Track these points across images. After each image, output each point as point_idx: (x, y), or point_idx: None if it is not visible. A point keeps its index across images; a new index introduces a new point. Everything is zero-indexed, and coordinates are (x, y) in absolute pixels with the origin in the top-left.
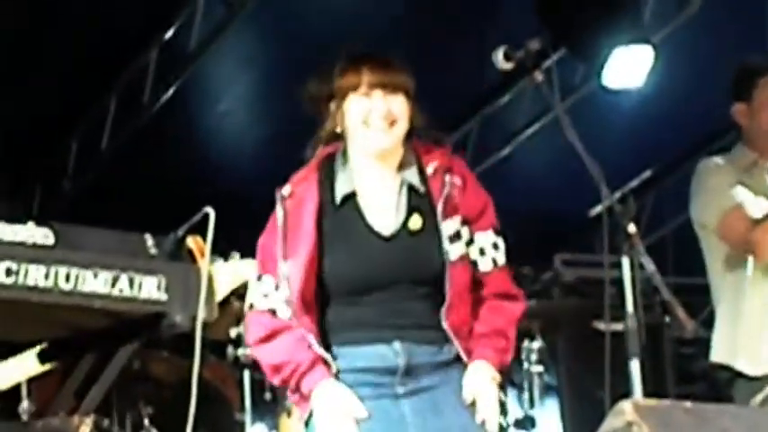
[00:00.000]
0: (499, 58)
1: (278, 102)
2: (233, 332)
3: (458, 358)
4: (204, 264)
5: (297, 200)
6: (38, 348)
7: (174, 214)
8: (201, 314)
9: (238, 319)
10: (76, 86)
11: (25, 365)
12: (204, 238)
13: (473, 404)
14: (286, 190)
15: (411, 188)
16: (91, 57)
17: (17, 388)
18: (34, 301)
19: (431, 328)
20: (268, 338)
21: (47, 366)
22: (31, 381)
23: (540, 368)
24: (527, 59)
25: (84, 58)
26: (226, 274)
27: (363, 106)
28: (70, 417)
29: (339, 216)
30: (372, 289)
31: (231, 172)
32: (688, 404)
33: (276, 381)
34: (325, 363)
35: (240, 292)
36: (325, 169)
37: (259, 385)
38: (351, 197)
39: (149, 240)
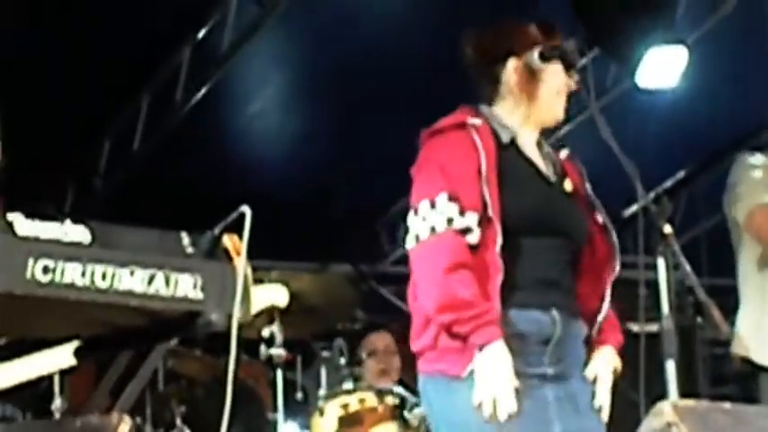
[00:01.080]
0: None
1: (310, 102)
2: (266, 331)
3: (588, 338)
4: (240, 263)
5: (483, 133)
6: (71, 344)
7: (203, 214)
8: (237, 313)
9: (271, 318)
10: (109, 86)
11: (56, 358)
12: (240, 236)
13: (593, 381)
14: (476, 121)
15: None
16: (123, 57)
17: (50, 385)
18: (71, 299)
19: (574, 296)
20: (460, 266)
21: (74, 361)
22: (63, 378)
23: None
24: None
25: (117, 58)
26: (256, 296)
27: (563, 78)
28: (108, 415)
29: (508, 157)
30: (548, 230)
31: (262, 172)
32: (727, 405)
33: (445, 317)
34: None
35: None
36: (482, 116)
37: (291, 385)
38: (513, 143)
39: (185, 239)
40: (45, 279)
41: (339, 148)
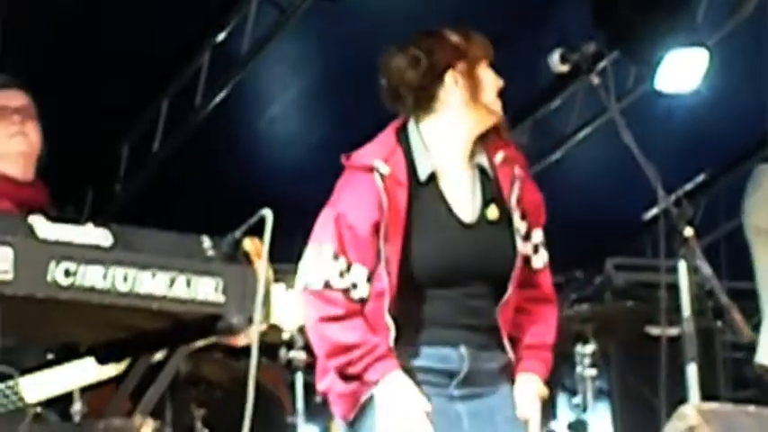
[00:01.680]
0: (555, 61)
1: (329, 106)
2: (285, 335)
3: (506, 366)
4: (261, 266)
5: (393, 179)
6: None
7: (223, 217)
8: (258, 316)
9: None
10: (128, 89)
11: (84, 372)
12: (261, 239)
13: (525, 420)
14: (383, 168)
15: (483, 174)
16: (143, 60)
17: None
18: (92, 302)
19: (491, 330)
20: (342, 318)
21: (105, 374)
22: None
23: (593, 372)
24: (583, 62)
25: (137, 62)
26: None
27: (494, 78)
28: (131, 417)
29: (424, 197)
30: (453, 281)
31: (281, 176)
32: (751, 408)
33: (335, 362)
34: (395, 354)
35: None
36: (403, 143)
37: (310, 388)
38: (432, 177)
39: (206, 242)
40: (66, 282)
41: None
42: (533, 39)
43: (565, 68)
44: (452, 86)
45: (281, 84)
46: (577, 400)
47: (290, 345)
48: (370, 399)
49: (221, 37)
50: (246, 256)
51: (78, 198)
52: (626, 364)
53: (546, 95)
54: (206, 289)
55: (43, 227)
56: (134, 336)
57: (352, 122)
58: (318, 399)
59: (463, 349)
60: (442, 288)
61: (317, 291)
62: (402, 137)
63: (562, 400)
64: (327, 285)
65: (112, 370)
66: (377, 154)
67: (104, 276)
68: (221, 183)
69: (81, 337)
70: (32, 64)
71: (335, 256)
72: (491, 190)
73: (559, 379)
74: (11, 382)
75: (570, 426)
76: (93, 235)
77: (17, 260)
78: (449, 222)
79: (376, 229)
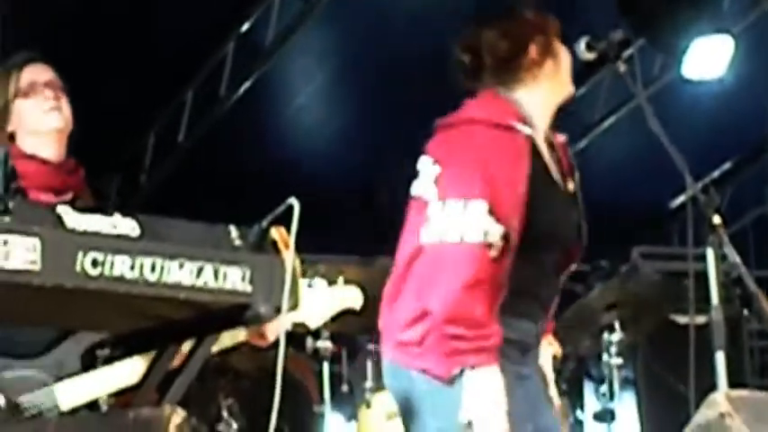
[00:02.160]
0: (581, 49)
1: (354, 95)
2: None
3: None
4: (288, 255)
5: (527, 142)
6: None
7: (248, 207)
8: (286, 306)
9: None
10: (153, 80)
11: (118, 376)
12: (288, 229)
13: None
14: (527, 129)
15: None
16: (168, 50)
17: None
18: (120, 292)
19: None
20: (475, 286)
21: (136, 377)
22: None
23: (619, 361)
24: (609, 50)
25: (162, 52)
26: (331, 298)
27: (566, 53)
28: (161, 407)
29: (534, 163)
30: (555, 248)
31: (306, 166)
32: None
33: (452, 329)
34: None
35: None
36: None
37: (337, 377)
38: (533, 141)
39: (233, 232)
40: (94, 272)
41: (384, 141)
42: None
43: (591, 56)
44: (536, 58)
45: (306, 74)
46: (604, 389)
47: (316, 334)
48: (461, 373)
49: (246, 27)
50: (274, 245)
51: (104, 188)
52: (652, 353)
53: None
54: (233, 278)
55: (71, 217)
56: (162, 325)
57: (377, 112)
58: (345, 387)
59: (538, 323)
60: (547, 252)
61: (471, 245)
62: (510, 106)
63: (588, 389)
64: (485, 236)
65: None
66: (508, 115)
67: (132, 266)
68: (246, 172)
69: (109, 326)
70: (59, 52)
71: (489, 210)
72: (565, 167)
73: (586, 368)
74: (47, 389)
75: (596, 415)
76: (121, 225)
77: (45, 250)
78: (555, 190)
79: (518, 189)
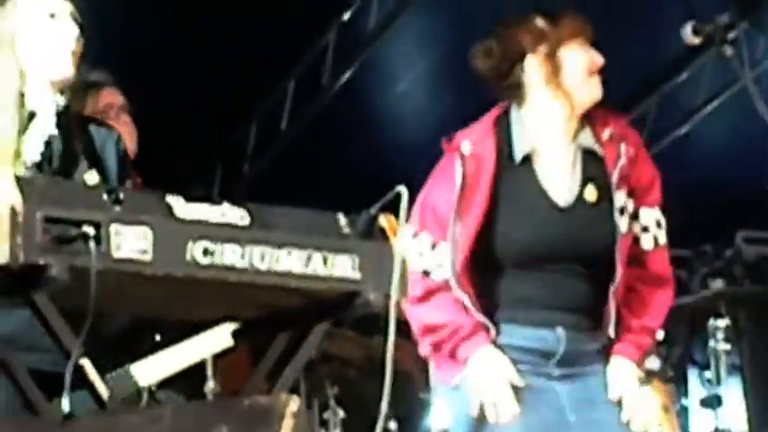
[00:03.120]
0: (687, 33)
1: (456, 82)
2: None
3: (604, 347)
4: (397, 242)
5: (477, 159)
6: (226, 326)
7: (350, 195)
8: (395, 293)
9: None
10: (256, 68)
11: (213, 342)
12: (396, 216)
13: (619, 402)
14: (466, 148)
15: (586, 153)
16: (271, 39)
17: (201, 368)
18: (230, 280)
19: (591, 313)
20: (424, 298)
21: (231, 343)
22: (216, 361)
23: (726, 346)
24: (715, 33)
25: (264, 41)
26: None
27: (586, 56)
28: (277, 395)
29: (515, 177)
30: (542, 263)
31: (408, 153)
32: None
33: (426, 343)
34: (485, 329)
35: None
36: (502, 126)
37: None
38: (528, 158)
39: (342, 219)
40: (205, 261)
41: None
42: (659, 11)
43: (697, 41)
44: (533, 71)
45: (408, 60)
46: (709, 374)
47: None
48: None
49: (347, 15)
50: (382, 232)
51: (207, 177)
52: (758, 338)
53: (673, 69)
54: (343, 266)
55: (181, 206)
56: (271, 313)
57: (479, 98)
58: None
59: (560, 330)
60: (535, 269)
61: (415, 272)
62: (503, 120)
63: (693, 375)
64: (419, 264)
65: (217, 346)
66: (468, 135)
67: (242, 255)
68: (348, 160)
69: (219, 315)
70: (163, 43)
71: (414, 235)
72: (594, 169)
73: (690, 354)
74: (123, 369)
75: (703, 401)
76: (230, 214)
77: (156, 240)
78: (539, 204)
79: (450, 208)
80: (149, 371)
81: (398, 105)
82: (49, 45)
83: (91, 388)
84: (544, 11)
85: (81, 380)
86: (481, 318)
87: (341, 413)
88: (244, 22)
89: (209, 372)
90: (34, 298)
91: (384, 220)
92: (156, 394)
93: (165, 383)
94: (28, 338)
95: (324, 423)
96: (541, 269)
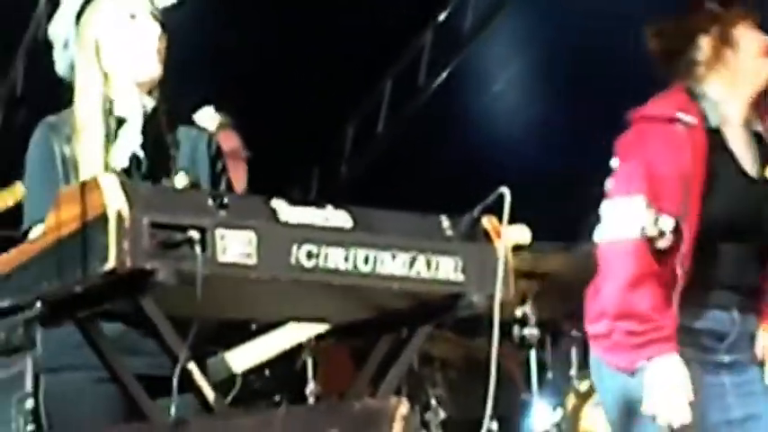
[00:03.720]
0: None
1: (550, 83)
2: (518, 311)
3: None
4: (501, 244)
5: (696, 128)
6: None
7: (448, 196)
8: (499, 294)
9: (523, 298)
10: (352, 71)
11: (301, 330)
12: (499, 218)
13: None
14: (688, 118)
15: (757, 140)
16: (367, 41)
17: (302, 370)
18: (334, 283)
19: (757, 293)
20: (643, 278)
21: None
22: (316, 363)
23: None
24: None
25: (360, 43)
26: None
27: (759, 37)
28: (387, 398)
29: (717, 150)
30: (738, 235)
31: (503, 153)
32: None
33: (621, 325)
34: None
35: (525, 271)
36: (693, 101)
37: (544, 365)
38: (718, 132)
39: (445, 221)
40: (309, 264)
41: (582, 127)
42: None
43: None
44: (708, 50)
45: (503, 61)
46: None
47: (523, 322)
48: (642, 369)
49: (443, 16)
50: (485, 234)
51: (304, 179)
52: None
53: None
54: (446, 268)
55: (285, 210)
56: (375, 316)
57: (574, 99)
58: (550, 375)
59: (735, 313)
60: (730, 244)
61: (630, 241)
62: (689, 99)
63: None
64: (642, 231)
65: (303, 336)
66: (675, 107)
67: (346, 258)
68: (444, 161)
69: (323, 318)
70: (259, 45)
71: (647, 204)
72: (764, 153)
73: None
74: (218, 357)
75: None
76: (334, 217)
77: (261, 244)
78: (737, 177)
79: (683, 176)
80: (244, 358)
81: (492, 105)
82: (131, 46)
83: (198, 391)
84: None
85: (188, 383)
86: (677, 319)
87: (442, 414)
88: (341, 25)
89: (310, 374)
90: (141, 302)
91: (487, 222)
92: (249, 381)
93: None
94: (130, 342)
95: (425, 424)
96: (734, 245)
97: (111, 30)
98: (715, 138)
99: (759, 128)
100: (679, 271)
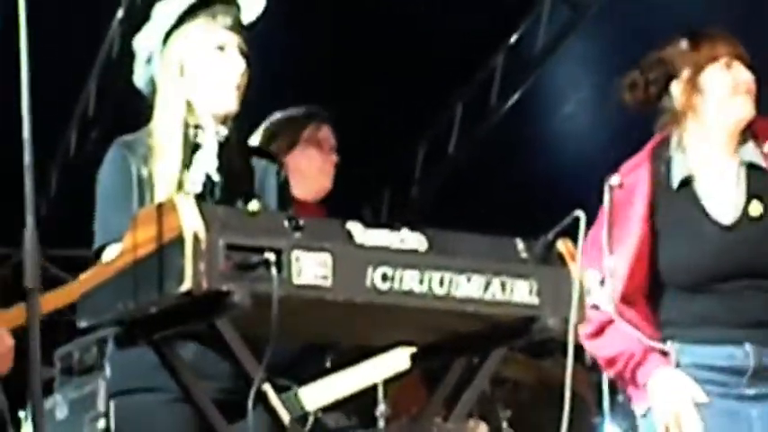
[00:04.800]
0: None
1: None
2: None
3: None
4: (575, 267)
5: (626, 189)
6: (398, 350)
7: (520, 218)
8: (574, 318)
9: None
10: (423, 92)
11: (379, 368)
12: (574, 241)
13: None
14: (615, 180)
15: (750, 168)
16: (437, 63)
17: (371, 390)
18: (409, 306)
19: None
20: (597, 333)
21: (398, 369)
22: (387, 385)
23: None
24: None
25: (431, 65)
26: None
27: (728, 77)
28: (466, 421)
29: (674, 203)
30: (712, 282)
31: (575, 176)
32: None
33: (611, 373)
34: (661, 353)
35: None
36: (660, 155)
37: (615, 388)
38: (687, 183)
39: (520, 244)
40: (384, 287)
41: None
42: None
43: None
44: (680, 97)
45: (574, 82)
46: None
47: None
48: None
49: (514, 38)
50: (560, 257)
51: (376, 201)
52: None
53: None
54: (521, 291)
55: (360, 233)
56: (450, 338)
57: (647, 120)
58: (621, 398)
59: (748, 346)
60: (707, 290)
61: (589, 305)
62: (663, 148)
63: None
64: (594, 301)
65: (387, 372)
66: (622, 169)
67: (421, 281)
68: (515, 183)
69: (398, 340)
70: (334, 70)
71: (592, 272)
72: (759, 183)
73: None
74: (291, 393)
75: None
76: (409, 239)
77: (336, 266)
78: (702, 226)
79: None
80: (318, 395)
81: (563, 127)
82: (215, 78)
83: (272, 413)
84: (694, 30)
85: (263, 406)
86: (651, 342)
87: None
88: (413, 47)
89: (380, 395)
90: (216, 324)
91: (562, 245)
92: (321, 419)
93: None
94: (202, 366)
95: None
96: (713, 289)
97: (198, 57)
98: (674, 195)
99: (752, 157)
100: (631, 320)
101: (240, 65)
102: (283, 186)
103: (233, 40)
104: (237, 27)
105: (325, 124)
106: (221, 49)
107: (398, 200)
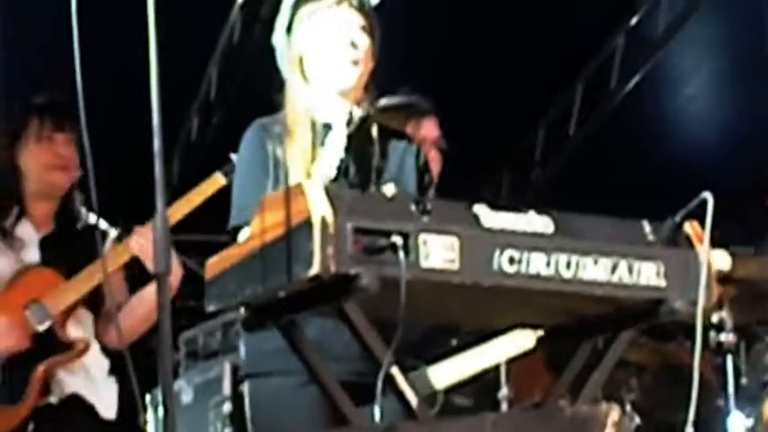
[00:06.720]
0: None
1: (747, 85)
2: (715, 317)
3: None
4: (703, 249)
5: None
6: (521, 331)
7: (642, 199)
8: (702, 301)
9: (720, 303)
10: (544, 74)
11: (504, 347)
12: (701, 223)
13: None
14: None
15: None
16: (558, 45)
17: (494, 373)
18: (535, 289)
19: None
20: None
21: (523, 349)
22: (509, 367)
23: None
24: None
25: (552, 47)
26: None
27: None
28: (598, 404)
29: None
30: None
31: (696, 158)
32: None
33: None
34: None
35: (721, 276)
36: None
37: (739, 372)
38: None
39: (646, 227)
40: (511, 270)
41: None
42: None
43: None
44: None
45: (695, 64)
46: None
47: (719, 327)
48: None
49: (635, 20)
50: (687, 240)
51: (494, 183)
52: None
53: None
54: (648, 273)
55: (487, 216)
56: (576, 321)
57: (764, 103)
58: (744, 381)
59: None
60: None
61: None
62: None
63: None
64: None
65: (513, 351)
66: None
67: (548, 263)
68: (635, 165)
69: (523, 323)
70: (454, 50)
71: None
72: None
73: None
74: (419, 372)
75: None
76: (535, 222)
77: (463, 249)
78: None
79: None
80: (446, 374)
81: (684, 109)
82: (332, 55)
83: (401, 396)
84: None
85: (391, 388)
86: None
87: (637, 419)
88: (533, 28)
89: (503, 378)
90: (344, 307)
91: (689, 227)
92: (451, 400)
93: (455, 387)
94: (327, 347)
95: None
96: None
97: (318, 41)
98: None
99: None
100: None
101: (357, 40)
102: (423, 169)
103: (353, 21)
104: (362, 7)
105: (426, 118)
106: (340, 29)
107: (518, 182)
